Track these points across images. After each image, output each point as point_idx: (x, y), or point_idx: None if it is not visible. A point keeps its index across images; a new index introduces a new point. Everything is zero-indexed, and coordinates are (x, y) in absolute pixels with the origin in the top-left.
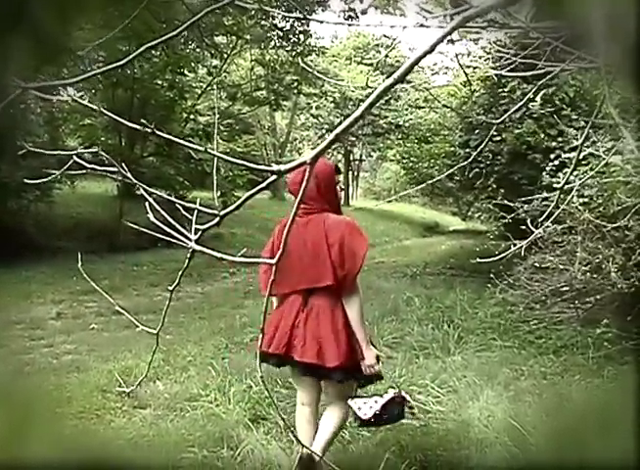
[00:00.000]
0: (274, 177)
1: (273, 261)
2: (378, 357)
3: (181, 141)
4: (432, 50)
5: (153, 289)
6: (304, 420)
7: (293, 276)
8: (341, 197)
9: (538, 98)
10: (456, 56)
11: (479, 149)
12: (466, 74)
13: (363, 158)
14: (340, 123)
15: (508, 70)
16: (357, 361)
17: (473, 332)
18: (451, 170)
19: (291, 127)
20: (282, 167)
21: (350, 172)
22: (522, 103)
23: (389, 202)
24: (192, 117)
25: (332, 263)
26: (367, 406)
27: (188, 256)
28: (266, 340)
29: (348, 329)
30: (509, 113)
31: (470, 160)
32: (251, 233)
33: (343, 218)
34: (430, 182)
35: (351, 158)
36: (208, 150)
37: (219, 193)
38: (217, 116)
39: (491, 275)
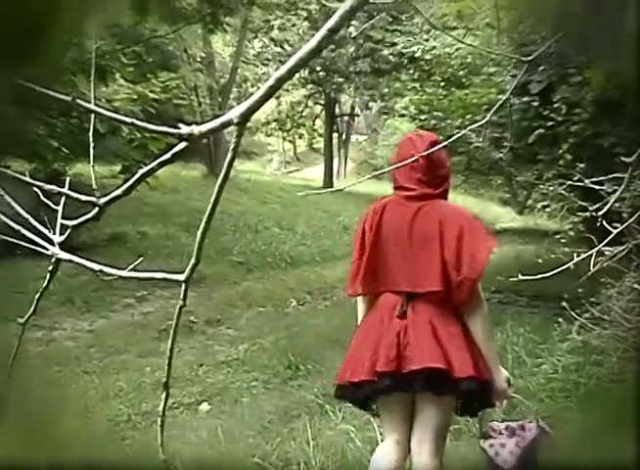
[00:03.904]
0: (183, 144)
1: (182, 278)
2: (509, 381)
3: (36, 86)
4: None
5: (4, 324)
6: (396, 465)
7: (390, 273)
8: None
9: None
10: None
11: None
12: None
13: (356, 111)
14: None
15: None
16: (485, 381)
17: (534, 395)
18: (470, 127)
19: (238, 61)
20: (196, 129)
21: (336, 135)
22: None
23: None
24: (75, 40)
25: (443, 265)
26: (505, 450)
27: (50, 268)
28: (367, 361)
29: (471, 339)
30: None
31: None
32: (173, 233)
33: (461, 209)
34: (449, 139)
35: (337, 111)
36: (79, 101)
37: (121, 166)
38: (94, 44)
39: (564, 303)
